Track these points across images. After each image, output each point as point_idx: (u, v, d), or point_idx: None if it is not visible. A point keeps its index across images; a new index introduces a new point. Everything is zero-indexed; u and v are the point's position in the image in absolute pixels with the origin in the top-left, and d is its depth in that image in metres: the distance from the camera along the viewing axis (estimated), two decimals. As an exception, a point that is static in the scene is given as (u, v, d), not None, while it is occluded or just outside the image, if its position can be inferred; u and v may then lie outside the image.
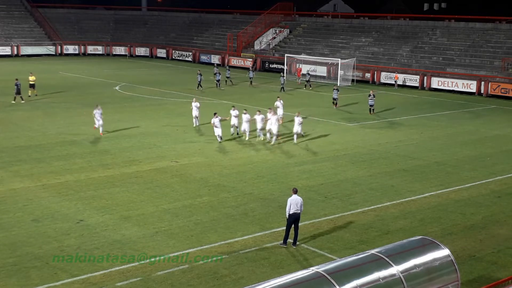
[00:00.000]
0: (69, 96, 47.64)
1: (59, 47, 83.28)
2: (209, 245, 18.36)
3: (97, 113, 33.19)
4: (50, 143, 30.57)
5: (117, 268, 16.60)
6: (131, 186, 24.16)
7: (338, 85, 59.29)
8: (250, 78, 56.44)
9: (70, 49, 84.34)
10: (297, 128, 32.64)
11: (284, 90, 52.41)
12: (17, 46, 79.67)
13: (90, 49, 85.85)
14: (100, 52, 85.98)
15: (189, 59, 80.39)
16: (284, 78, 54.23)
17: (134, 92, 50.50)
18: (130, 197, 22.72)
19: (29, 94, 45.08)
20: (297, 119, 32.51)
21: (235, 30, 79.99)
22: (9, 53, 78.82)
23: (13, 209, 20.96)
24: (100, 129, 33.32)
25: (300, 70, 61.78)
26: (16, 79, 44.50)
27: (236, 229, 19.83)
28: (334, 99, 45.21)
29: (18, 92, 43.41)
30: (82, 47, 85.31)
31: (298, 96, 51.53)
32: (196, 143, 32.24)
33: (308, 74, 57.37)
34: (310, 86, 55.76)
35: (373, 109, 42.97)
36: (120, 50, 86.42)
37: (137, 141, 32.11)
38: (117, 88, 52.92)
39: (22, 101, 43.47)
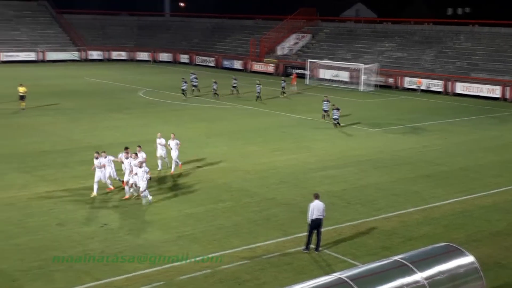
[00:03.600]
0: (93, 101, 48.13)
1: (84, 52, 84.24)
2: (232, 250, 18.39)
3: (171, 143, 27.35)
4: (74, 148, 30.89)
5: (141, 272, 16.69)
6: (155, 190, 24.28)
7: (361, 90, 59.19)
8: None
9: (95, 54, 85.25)
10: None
11: (261, 99, 49.35)
12: (43, 52, 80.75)
13: (114, 54, 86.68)
14: (124, 58, 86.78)
15: (212, 64, 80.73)
16: (260, 86, 50.17)
17: (158, 97, 50.84)
18: (153, 202, 22.84)
19: (22, 106, 41.96)
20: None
21: (258, 35, 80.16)
22: (35, 58, 79.94)
23: (38, 213, 21.21)
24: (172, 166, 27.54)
25: (296, 77, 61.12)
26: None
27: (259, 234, 19.83)
28: (324, 111, 41.01)
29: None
30: (106, 52, 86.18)
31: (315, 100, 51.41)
32: (219, 148, 32.34)
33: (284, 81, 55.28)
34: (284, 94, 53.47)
35: (327, 115, 40.41)
36: (143, 55, 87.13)
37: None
38: (140, 93, 53.33)
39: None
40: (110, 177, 23.92)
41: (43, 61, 79.77)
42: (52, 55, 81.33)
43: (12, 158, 28.77)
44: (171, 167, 27.25)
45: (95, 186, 23.17)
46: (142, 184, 22.22)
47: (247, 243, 18.97)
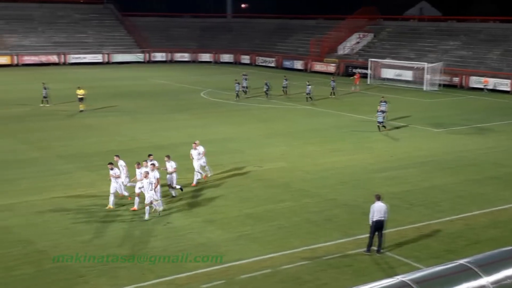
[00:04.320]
0: (156, 102, 49.03)
1: (148, 54, 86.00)
2: (292, 250, 18.35)
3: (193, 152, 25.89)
4: (138, 148, 31.50)
5: (201, 270, 16.88)
6: (215, 190, 24.54)
7: (425, 89, 58.00)
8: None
9: (158, 56, 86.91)
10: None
11: (312, 99, 48.69)
12: (108, 54, 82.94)
13: (177, 56, 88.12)
14: (187, 59, 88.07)
15: (273, 65, 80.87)
16: (310, 87, 49.22)
17: (219, 97, 51.32)
18: (214, 201, 23.07)
19: (81, 108, 42.85)
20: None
21: (319, 35, 79.76)
22: (101, 60, 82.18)
23: (103, 211, 21.74)
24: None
25: (359, 77, 60.40)
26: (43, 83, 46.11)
27: (319, 235, 19.72)
28: (382, 111, 37.75)
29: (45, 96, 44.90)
30: (170, 54, 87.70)
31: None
32: (278, 148, 32.36)
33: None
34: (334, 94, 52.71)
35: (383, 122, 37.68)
36: (205, 57, 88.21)
37: (221, 146, 32.60)
38: (202, 94, 53.98)
39: (46, 105, 44.65)
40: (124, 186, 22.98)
41: (108, 63, 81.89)
42: (117, 57, 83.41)
43: (79, 158, 29.65)
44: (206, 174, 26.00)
45: (111, 198, 22.10)
46: (148, 195, 21.08)
47: (307, 243, 18.89)
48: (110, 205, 22.01)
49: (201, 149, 25.63)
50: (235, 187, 25.06)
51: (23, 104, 45.18)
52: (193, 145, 25.60)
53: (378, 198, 18.31)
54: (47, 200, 22.82)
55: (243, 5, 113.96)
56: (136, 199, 21.77)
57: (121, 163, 23.28)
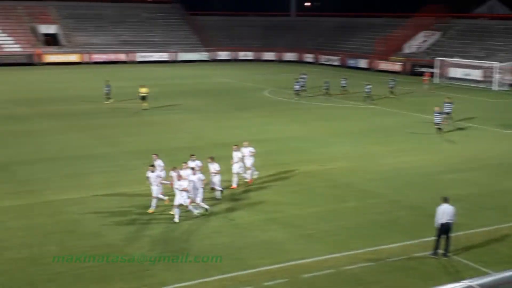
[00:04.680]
0: (220, 100, 49.57)
1: (212, 53, 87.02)
2: (355, 251, 18.20)
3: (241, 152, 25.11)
4: (203, 145, 31.89)
5: (264, 267, 16.97)
6: (278, 188, 24.61)
7: (495, 89, 56.32)
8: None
9: (222, 55, 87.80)
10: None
11: (372, 99, 47.79)
12: (175, 53, 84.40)
13: (241, 54, 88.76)
14: (251, 58, 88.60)
15: (337, 63, 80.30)
16: (370, 86, 48.48)
17: (282, 96, 51.38)
18: (277, 199, 23.15)
19: (143, 106, 43.17)
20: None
21: (384, 33, 78.65)
22: (168, 59, 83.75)
23: (168, 207, 22.11)
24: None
25: (429, 76, 59.19)
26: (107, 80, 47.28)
27: (383, 236, 19.48)
28: (446, 113, 37.29)
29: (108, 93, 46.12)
30: (233, 53, 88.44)
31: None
32: (342, 147, 32.14)
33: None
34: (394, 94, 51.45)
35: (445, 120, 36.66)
36: (269, 55, 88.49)
37: (284, 145, 32.65)
38: (266, 92, 54.19)
39: (109, 102, 45.66)
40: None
41: (174, 61, 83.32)
42: (183, 56, 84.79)
43: (145, 154, 30.17)
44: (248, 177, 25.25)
45: (154, 202, 21.48)
46: (177, 198, 20.52)
47: (371, 245, 18.69)
48: (152, 207, 21.35)
49: (248, 150, 24.90)
50: (298, 186, 25.05)
51: (90, 101, 46.51)
52: (234, 147, 24.48)
53: (445, 200, 17.92)
54: (115, 195, 23.45)
55: (307, 4, 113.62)
56: (190, 207, 20.95)
57: (159, 162, 22.74)
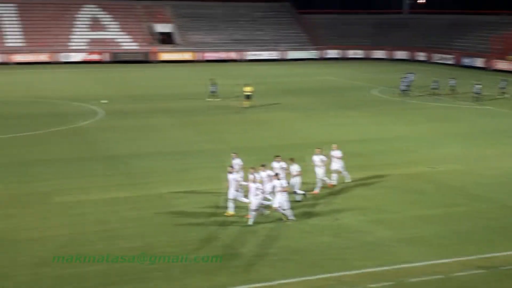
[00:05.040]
0: (327, 98, 49.36)
1: (321, 51, 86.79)
2: (466, 257, 17.51)
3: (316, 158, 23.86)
4: (303, 143, 30.87)
5: (369, 269, 16.72)
6: (384, 189, 24.17)
7: None
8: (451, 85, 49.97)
9: (332, 53, 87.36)
10: None
11: (481, 100, 45.70)
12: (284, 51, 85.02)
13: (350, 53, 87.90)
14: (360, 56, 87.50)
15: (451, 62, 77.50)
16: (479, 86, 46.19)
17: (392, 95, 50.35)
18: (383, 200, 22.73)
19: (245, 105, 43.54)
20: None
21: (500, 31, 74.92)
22: (277, 57, 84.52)
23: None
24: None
25: None
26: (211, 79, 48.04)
27: (496, 243, 18.61)
28: None
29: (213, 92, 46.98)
30: (343, 51, 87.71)
31: None
32: (453, 149, 31.04)
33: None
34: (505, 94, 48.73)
35: None
36: (379, 53, 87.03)
37: (391, 145, 32.01)
38: (374, 91, 53.33)
39: (215, 99, 46.30)
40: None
41: (283, 60, 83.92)
42: (292, 54, 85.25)
43: (249, 151, 30.37)
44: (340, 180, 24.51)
45: (231, 204, 20.89)
46: (254, 201, 19.96)
47: (483, 251, 17.91)
48: (230, 211, 20.84)
49: (336, 153, 24.20)
50: (406, 187, 24.47)
51: (199, 99, 47.64)
52: (317, 150, 23.52)
53: None
54: (221, 190, 23.88)
55: (420, 1, 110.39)
56: (286, 212, 20.38)
57: (237, 161, 22.21)
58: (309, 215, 21.13)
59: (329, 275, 16.37)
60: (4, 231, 19.37)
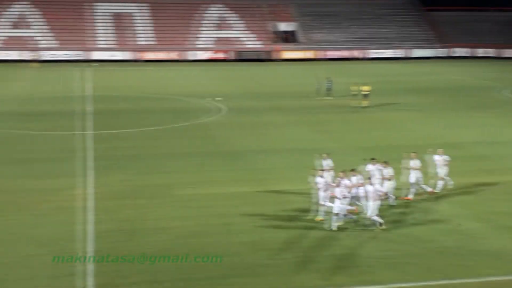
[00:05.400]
0: (452, 98, 47.52)
1: (448, 49, 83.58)
2: None
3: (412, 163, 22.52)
4: (420, 145, 28.87)
5: (495, 278, 15.86)
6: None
7: None
8: None
9: (459, 51, 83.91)
10: None
11: None
12: (409, 49, 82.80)
13: (480, 51, 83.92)
14: (491, 55, 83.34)
15: None
16: None
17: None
18: (509, 208, 21.45)
19: (362, 104, 42.76)
20: None
21: None
22: (401, 55, 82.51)
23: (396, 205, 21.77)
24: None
25: None
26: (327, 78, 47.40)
27: None
28: None
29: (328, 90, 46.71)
30: (471, 49, 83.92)
31: None
32: None
33: None
34: None
35: None
36: (511, 52, 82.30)
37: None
38: (506, 92, 50.55)
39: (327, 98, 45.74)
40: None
41: (408, 58, 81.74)
42: (417, 52, 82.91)
43: (361, 151, 29.57)
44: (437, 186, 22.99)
45: (321, 208, 20.03)
46: (337, 206, 19.13)
47: None
48: (320, 216, 20.02)
49: (442, 158, 22.72)
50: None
51: (315, 97, 47.44)
52: (412, 154, 22.28)
53: None
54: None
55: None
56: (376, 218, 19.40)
57: (328, 162, 21.54)
58: (431, 220, 20.38)
59: (449, 281, 15.71)
60: (134, 220, 20.35)
